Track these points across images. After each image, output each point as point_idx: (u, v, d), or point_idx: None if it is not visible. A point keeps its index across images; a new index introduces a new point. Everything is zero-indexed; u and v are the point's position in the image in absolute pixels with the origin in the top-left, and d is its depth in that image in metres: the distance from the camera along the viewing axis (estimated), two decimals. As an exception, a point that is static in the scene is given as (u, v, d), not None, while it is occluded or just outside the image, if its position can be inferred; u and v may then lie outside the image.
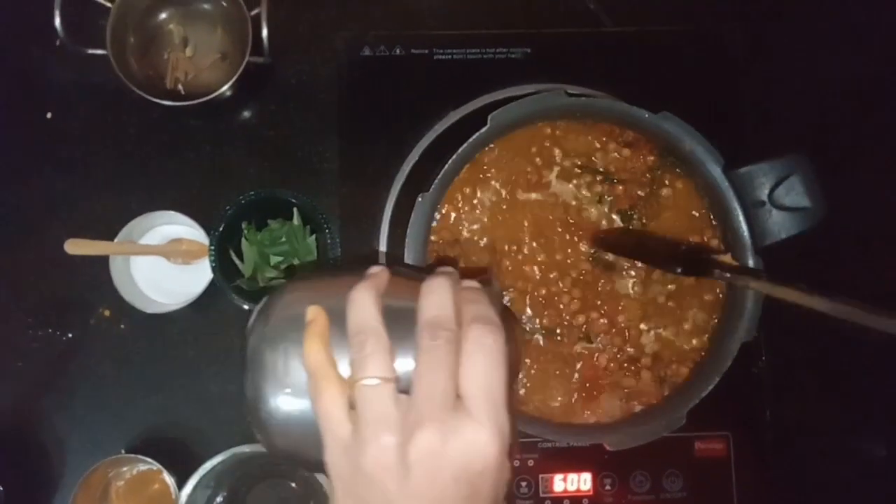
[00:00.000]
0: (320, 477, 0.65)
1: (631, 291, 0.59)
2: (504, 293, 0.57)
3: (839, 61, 0.75)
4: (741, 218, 0.57)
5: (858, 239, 0.71)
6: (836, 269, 0.72)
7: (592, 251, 0.58)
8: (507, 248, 0.58)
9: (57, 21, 0.65)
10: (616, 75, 0.69)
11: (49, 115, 0.73)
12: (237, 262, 0.69)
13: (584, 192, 0.59)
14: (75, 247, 0.66)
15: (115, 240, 0.68)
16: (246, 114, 0.74)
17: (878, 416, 0.71)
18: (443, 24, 0.74)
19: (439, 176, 0.55)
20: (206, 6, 0.73)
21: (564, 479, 0.67)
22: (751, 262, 0.57)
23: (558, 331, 0.58)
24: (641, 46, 0.73)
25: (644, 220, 0.59)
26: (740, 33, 0.74)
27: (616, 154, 0.59)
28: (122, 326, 0.71)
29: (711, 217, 0.60)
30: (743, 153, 0.59)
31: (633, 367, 0.58)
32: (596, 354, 0.58)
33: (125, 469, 0.68)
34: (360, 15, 0.74)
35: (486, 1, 0.75)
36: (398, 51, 0.71)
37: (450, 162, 0.55)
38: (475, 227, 0.58)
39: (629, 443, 0.54)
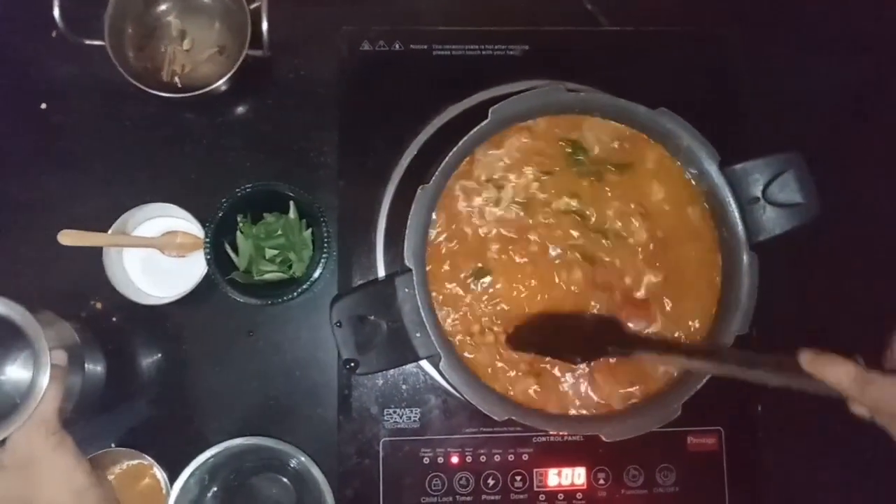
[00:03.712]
0: (314, 470, 0.65)
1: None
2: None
3: (833, 61, 0.76)
4: (736, 214, 0.58)
5: (851, 236, 0.72)
6: (828, 265, 0.73)
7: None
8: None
9: (56, 11, 0.65)
10: (613, 73, 0.70)
11: (44, 106, 0.72)
12: (232, 255, 0.68)
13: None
14: (69, 238, 0.66)
15: (109, 231, 0.67)
16: (243, 107, 0.74)
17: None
18: (442, 20, 0.74)
19: (440, 168, 0.55)
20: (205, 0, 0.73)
21: (559, 474, 0.67)
22: (745, 259, 0.58)
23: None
24: (638, 46, 0.74)
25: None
26: (735, 34, 0.75)
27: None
28: (115, 319, 0.70)
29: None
30: (738, 151, 0.60)
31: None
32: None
33: (116, 463, 0.68)
34: (360, 10, 0.75)
35: (486, -2, 0.76)
36: (398, 46, 0.72)
37: (450, 154, 0.55)
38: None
39: (625, 434, 0.54)
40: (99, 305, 0.70)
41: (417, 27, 0.73)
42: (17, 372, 0.63)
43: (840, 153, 0.74)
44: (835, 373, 0.42)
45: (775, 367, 0.46)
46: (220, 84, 0.67)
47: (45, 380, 0.55)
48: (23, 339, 0.56)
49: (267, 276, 0.69)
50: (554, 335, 0.57)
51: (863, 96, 0.77)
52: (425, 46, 0.72)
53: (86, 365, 0.64)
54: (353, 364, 0.54)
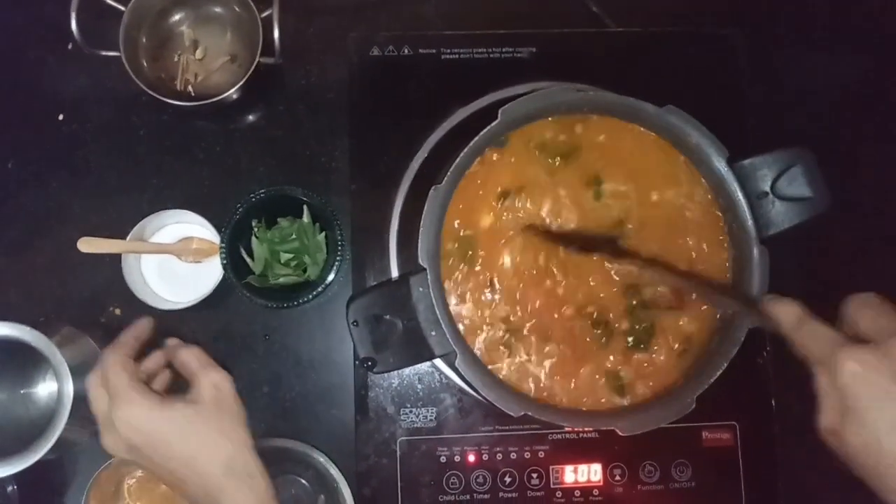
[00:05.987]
0: (332, 470, 0.66)
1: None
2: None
3: (837, 57, 0.77)
4: (746, 209, 0.58)
5: (858, 229, 0.73)
6: (835, 257, 0.73)
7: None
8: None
9: (73, 24, 0.66)
10: (620, 74, 0.70)
11: (61, 117, 0.74)
12: (248, 259, 0.69)
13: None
14: (88, 245, 0.67)
15: (127, 238, 0.69)
16: (256, 114, 0.75)
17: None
18: (450, 24, 0.75)
19: (451, 168, 0.56)
20: (217, 9, 0.74)
21: (575, 471, 0.67)
22: (755, 252, 0.58)
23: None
24: (644, 46, 0.75)
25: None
26: (737, 32, 0.76)
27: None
28: (133, 325, 0.71)
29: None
30: (745, 146, 0.60)
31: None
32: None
33: (136, 467, 0.69)
34: (369, 17, 0.76)
35: (492, 2, 0.77)
36: (406, 51, 0.73)
37: (462, 155, 0.56)
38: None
39: (640, 428, 0.54)
40: (118, 311, 0.71)
41: (426, 32, 0.74)
42: (51, 385, 0.68)
43: (844, 147, 0.74)
44: (783, 311, 0.47)
45: (739, 300, 0.54)
46: (233, 92, 0.68)
47: (69, 388, 0.58)
48: (44, 356, 0.59)
49: (282, 280, 0.70)
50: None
51: (866, 90, 0.77)
52: (434, 51, 0.73)
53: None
54: (370, 362, 0.55)
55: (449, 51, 0.73)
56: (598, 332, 0.59)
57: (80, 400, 0.59)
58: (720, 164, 0.58)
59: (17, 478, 0.68)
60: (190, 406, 0.52)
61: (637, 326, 0.59)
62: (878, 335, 0.42)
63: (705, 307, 0.60)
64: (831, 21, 0.79)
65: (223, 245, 0.66)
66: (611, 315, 0.59)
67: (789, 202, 0.58)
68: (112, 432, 0.51)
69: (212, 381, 0.54)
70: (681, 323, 0.60)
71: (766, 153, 0.58)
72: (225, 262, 0.66)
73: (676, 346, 0.59)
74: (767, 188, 0.58)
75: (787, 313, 0.46)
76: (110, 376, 0.52)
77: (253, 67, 0.68)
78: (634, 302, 0.59)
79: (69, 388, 0.58)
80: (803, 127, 0.75)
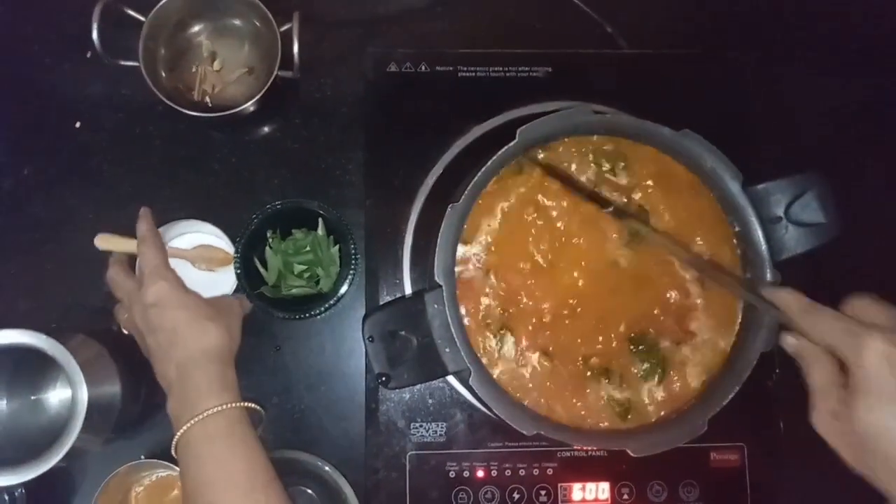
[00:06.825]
0: (341, 482, 0.66)
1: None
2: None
3: (848, 79, 0.78)
4: (759, 233, 0.59)
5: (870, 252, 0.73)
6: (846, 280, 0.73)
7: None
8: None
9: (95, 34, 0.67)
10: (634, 94, 0.71)
11: (77, 125, 0.74)
12: (261, 270, 0.70)
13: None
14: (105, 241, 0.67)
15: (142, 247, 0.69)
16: (271, 126, 0.76)
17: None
18: (467, 43, 0.76)
19: (469, 187, 0.56)
20: (236, 22, 0.75)
21: (583, 489, 0.67)
22: (769, 276, 0.59)
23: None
24: (658, 68, 0.76)
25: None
26: (749, 55, 0.77)
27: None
28: (145, 333, 0.71)
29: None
30: (758, 170, 0.61)
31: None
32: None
33: (145, 474, 0.69)
34: (386, 33, 0.77)
35: (509, 21, 0.78)
36: (423, 68, 0.74)
37: (479, 174, 0.57)
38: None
39: (652, 449, 0.55)
40: (129, 319, 0.72)
41: (443, 49, 0.75)
42: (62, 392, 0.70)
43: (856, 170, 0.75)
44: (786, 298, 0.49)
45: (744, 284, 0.57)
46: (250, 105, 0.69)
47: (83, 395, 0.58)
48: (57, 363, 0.59)
49: (295, 291, 0.70)
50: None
51: (877, 113, 0.78)
52: (451, 68, 0.74)
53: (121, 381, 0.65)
54: (384, 378, 0.55)
55: (465, 69, 0.74)
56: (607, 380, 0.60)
57: (93, 407, 0.59)
58: (735, 188, 0.59)
59: (25, 483, 0.67)
60: (205, 300, 0.62)
61: (647, 365, 0.59)
62: (889, 323, 0.43)
63: (708, 336, 0.60)
64: (841, 41, 0.79)
65: (237, 255, 0.67)
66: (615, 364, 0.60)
67: (802, 227, 0.59)
68: (135, 306, 0.61)
69: (235, 300, 0.67)
70: (688, 354, 0.60)
71: (779, 178, 0.59)
72: (239, 271, 0.66)
73: (694, 378, 0.60)
74: (781, 213, 0.59)
75: (789, 300, 0.48)
76: (151, 255, 0.62)
77: (271, 81, 0.69)
78: (640, 347, 0.60)
79: (83, 396, 0.58)
80: (814, 146, 0.76)
